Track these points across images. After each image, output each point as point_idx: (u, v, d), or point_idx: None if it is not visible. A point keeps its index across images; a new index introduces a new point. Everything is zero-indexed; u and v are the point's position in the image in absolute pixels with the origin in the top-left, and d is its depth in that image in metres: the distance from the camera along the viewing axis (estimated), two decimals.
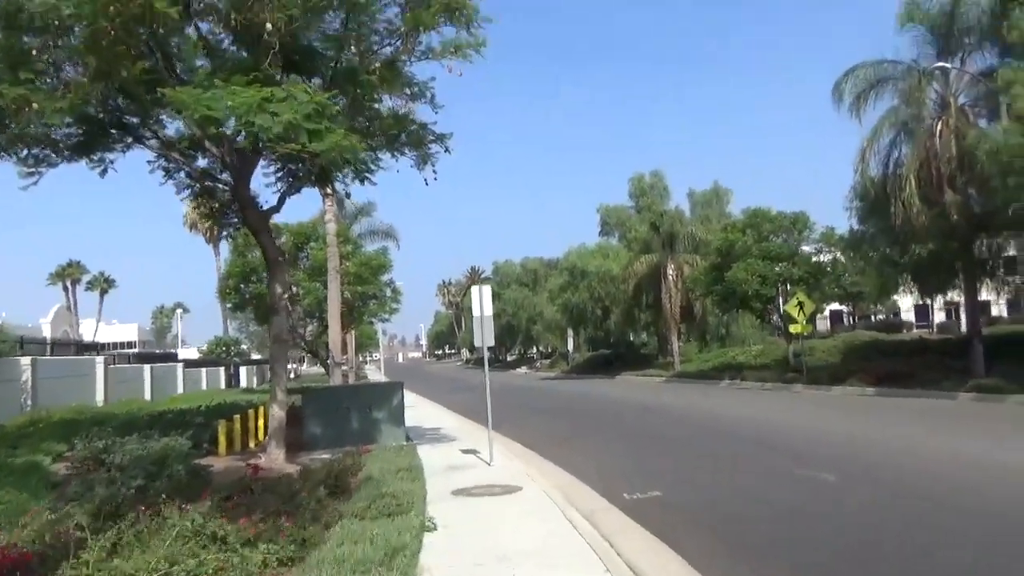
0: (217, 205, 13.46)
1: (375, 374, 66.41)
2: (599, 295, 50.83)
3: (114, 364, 32.83)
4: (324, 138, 7.71)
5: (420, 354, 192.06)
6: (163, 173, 12.19)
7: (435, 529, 7.21)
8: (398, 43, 10.73)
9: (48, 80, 9.04)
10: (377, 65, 10.28)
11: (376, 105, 11.59)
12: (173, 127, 11.66)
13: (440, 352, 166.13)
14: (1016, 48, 19.76)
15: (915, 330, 54.39)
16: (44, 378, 23.83)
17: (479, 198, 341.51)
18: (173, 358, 49.65)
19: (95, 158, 11.17)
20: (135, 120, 11.04)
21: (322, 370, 33.70)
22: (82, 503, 6.23)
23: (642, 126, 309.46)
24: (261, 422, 15.73)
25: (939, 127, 23.39)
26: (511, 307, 74.85)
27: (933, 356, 26.44)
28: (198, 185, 12.47)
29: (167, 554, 4.99)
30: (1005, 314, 47.21)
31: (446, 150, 12.14)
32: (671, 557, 6.55)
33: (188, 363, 46.18)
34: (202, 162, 12.43)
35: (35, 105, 7.83)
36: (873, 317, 64.47)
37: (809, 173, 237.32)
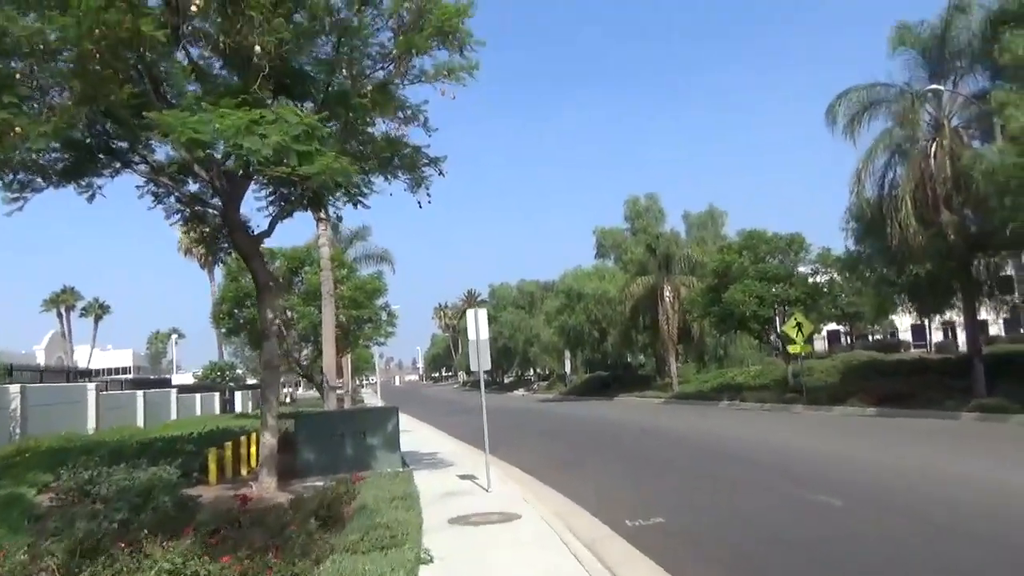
0: (208, 230, 13.29)
1: (371, 398, 66.03)
2: (596, 317, 50.67)
3: (106, 390, 32.46)
4: (315, 161, 7.57)
5: (417, 377, 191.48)
6: (152, 198, 12.03)
7: (431, 562, 6.97)
8: (391, 67, 10.65)
9: (35, 105, 8.91)
10: (369, 88, 10.17)
11: (369, 129, 11.49)
12: (163, 152, 11.52)
13: (437, 375, 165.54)
14: (1008, 70, 19.84)
15: (912, 350, 54.27)
16: (34, 405, 23.50)
17: (475, 221, 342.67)
18: (167, 383, 49.21)
19: (83, 183, 11.01)
20: (123, 145, 10.90)
21: (318, 394, 33.44)
22: (62, 539, 5.98)
23: (637, 147, 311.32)
24: (253, 449, 15.43)
25: (933, 148, 23.49)
26: (508, 329, 74.62)
27: (933, 376, 26.25)
28: (188, 210, 12.31)
29: None
30: (1003, 333, 47.14)
31: (440, 173, 12.05)
32: None
33: (182, 388, 45.73)
34: (193, 187, 12.29)
35: (18, 129, 7.67)
36: (870, 337, 64.38)
37: (805, 193, 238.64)
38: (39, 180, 10.35)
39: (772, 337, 35.01)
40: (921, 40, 24.21)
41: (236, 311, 29.62)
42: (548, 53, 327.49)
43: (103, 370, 75.86)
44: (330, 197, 10.80)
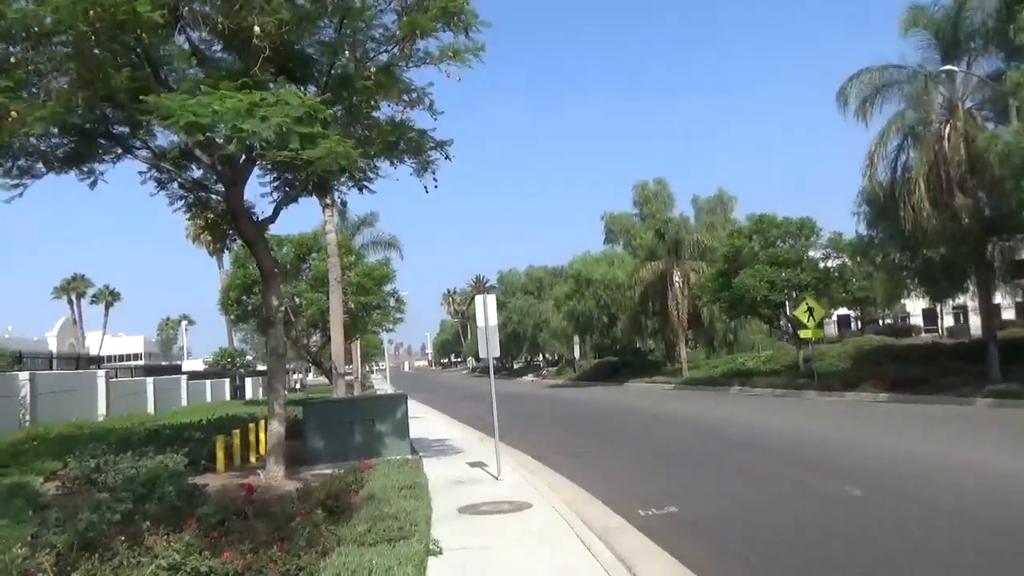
0: (212, 216, 13.15)
1: (381, 384, 66.16)
2: (605, 302, 50.52)
3: (115, 377, 32.56)
4: (318, 144, 7.39)
5: (426, 363, 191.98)
6: (155, 184, 11.89)
7: (440, 553, 6.83)
8: (395, 49, 10.42)
9: (35, 90, 8.75)
10: (373, 70, 9.95)
11: (374, 113, 11.28)
12: (164, 138, 11.35)
13: (446, 361, 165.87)
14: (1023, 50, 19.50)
15: (924, 335, 53.94)
16: (44, 393, 23.56)
17: (483, 207, 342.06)
18: (177, 370, 49.43)
19: (84, 169, 10.87)
20: (124, 130, 10.74)
21: (328, 381, 33.44)
22: (64, 530, 5.87)
23: (646, 131, 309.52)
24: (262, 436, 15.34)
25: (947, 131, 23.13)
26: (517, 315, 74.55)
27: (947, 361, 25.99)
28: (191, 196, 12.16)
29: None
30: (1016, 317, 46.72)
31: (447, 157, 11.83)
32: None
33: (192, 375, 45.92)
34: (196, 173, 12.12)
35: (15, 114, 7.52)
36: (881, 322, 64.00)
37: (813, 178, 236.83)
38: (38, 166, 10.22)
39: (783, 322, 34.75)
40: (934, 21, 23.84)
41: (244, 298, 29.55)
42: (555, 37, 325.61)
43: (114, 356, 76.35)
44: (335, 182, 10.60)
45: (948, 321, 59.49)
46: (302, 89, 9.81)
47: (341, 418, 14.68)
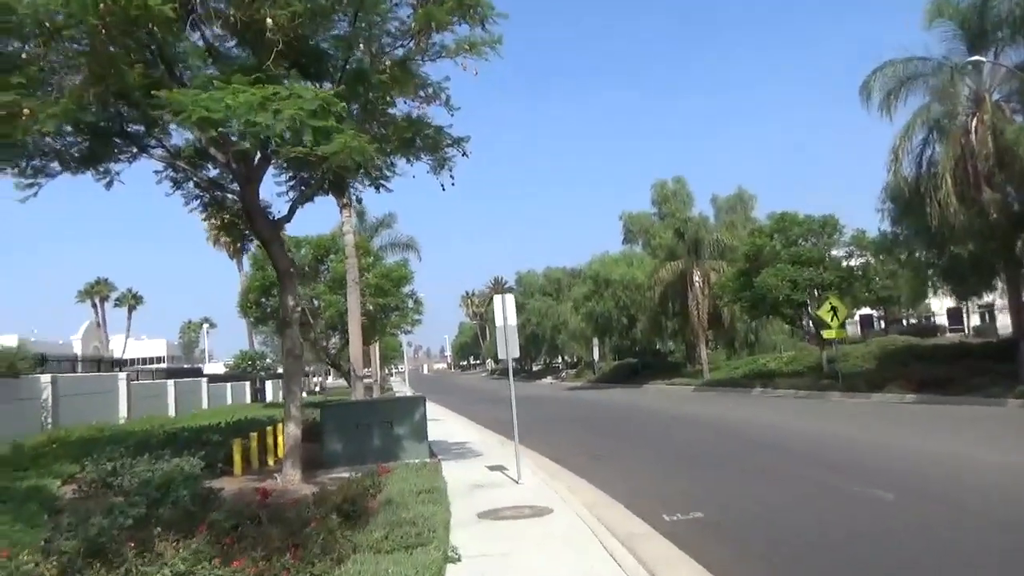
0: (227, 216, 13.04)
1: (400, 386, 66.11)
2: (624, 303, 50.13)
3: (137, 380, 32.72)
4: (332, 139, 7.21)
5: (445, 365, 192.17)
6: (171, 183, 11.81)
7: (459, 560, 6.62)
8: (410, 43, 10.24)
9: (49, 88, 8.66)
10: (388, 64, 9.76)
11: (390, 110, 11.12)
12: (181, 137, 11.25)
13: (465, 363, 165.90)
14: None
15: (949, 334, 53.02)
16: (66, 395, 23.68)
17: (500, 209, 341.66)
18: (198, 373, 49.71)
19: (100, 169, 10.79)
20: (139, 129, 10.64)
21: (347, 384, 33.39)
22: (73, 536, 5.73)
23: (664, 130, 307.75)
24: (280, 439, 15.23)
25: (974, 123, 22.58)
26: (535, 317, 74.27)
27: (975, 361, 25.36)
28: (206, 195, 12.06)
29: None
30: None
31: (464, 154, 11.64)
32: None
33: (213, 378, 46.12)
34: (212, 172, 12.01)
35: (27, 111, 7.41)
36: (904, 321, 63.07)
37: (828, 175, 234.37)
38: (52, 165, 10.13)
39: (806, 322, 34.23)
40: (960, 11, 23.24)
41: (263, 300, 29.54)
42: (572, 37, 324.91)
43: (137, 360, 76.98)
44: (351, 180, 10.44)
45: (974, 320, 58.48)
46: (317, 86, 9.67)
47: (359, 420, 14.51)
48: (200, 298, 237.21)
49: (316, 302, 28.83)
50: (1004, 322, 36.99)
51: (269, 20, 7.91)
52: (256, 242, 14.26)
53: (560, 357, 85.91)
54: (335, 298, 28.12)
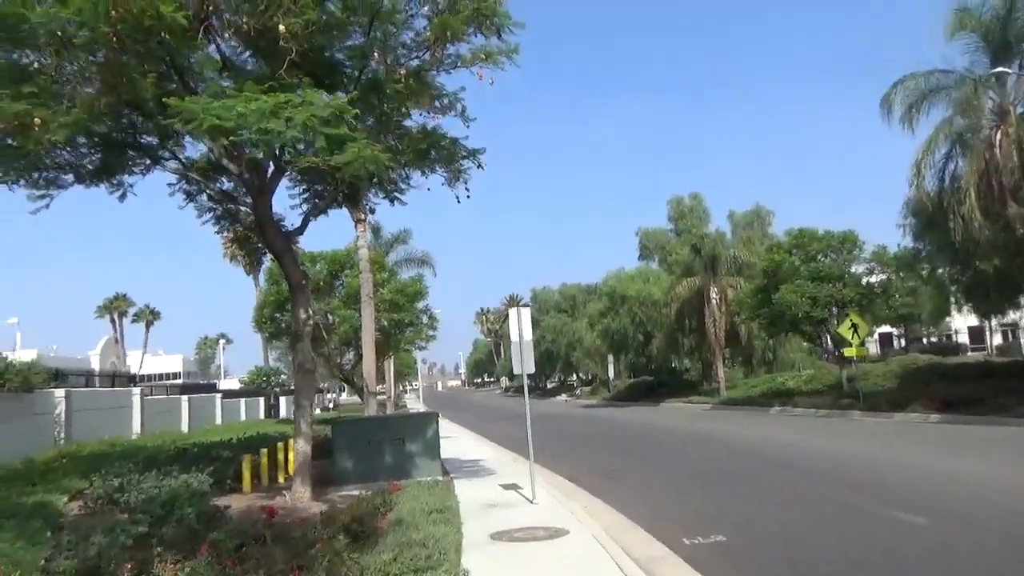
0: (240, 228, 12.93)
1: (414, 403, 65.83)
2: (640, 320, 49.67)
3: (151, 395, 32.69)
4: (345, 148, 7.05)
5: (459, 382, 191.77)
6: (184, 196, 11.72)
7: None
8: (425, 54, 10.12)
9: (62, 98, 8.58)
10: (403, 74, 9.62)
11: (405, 122, 11.00)
12: (194, 149, 11.16)
13: (479, 380, 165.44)
14: None
15: (971, 353, 52.18)
16: (79, 410, 23.59)
17: (516, 225, 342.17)
18: (212, 389, 49.72)
19: (114, 182, 10.71)
20: (152, 141, 10.55)
21: (360, 400, 33.22)
22: (73, 555, 5.53)
23: (679, 146, 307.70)
24: (291, 455, 15.03)
25: (998, 137, 22.23)
26: (550, 334, 73.82)
27: (1000, 380, 24.75)
28: (219, 208, 11.95)
29: None
30: None
31: (479, 166, 11.46)
32: None
33: (227, 393, 46.10)
34: (227, 185, 11.91)
35: (39, 121, 7.31)
36: (925, 339, 62.19)
37: (856, 191, 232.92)
38: (64, 177, 10.05)
39: (825, 340, 33.69)
40: (982, 23, 22.94)
41: (277, 315, 29.47)
42: (587, 54, 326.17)
43: (154, 375, 77.41)
44: (365, 192, 10.28)
45: (996, 339, 57.57)
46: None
47: (371, 437, 14.28)
48: (217, 314, 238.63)
49: (330, 317, 28.71)
50: None
51: (282, 28, 7.79)
52: (270, 256, 14.11)
53: (575, 374, 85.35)
54: (349, 313, 27.99)
